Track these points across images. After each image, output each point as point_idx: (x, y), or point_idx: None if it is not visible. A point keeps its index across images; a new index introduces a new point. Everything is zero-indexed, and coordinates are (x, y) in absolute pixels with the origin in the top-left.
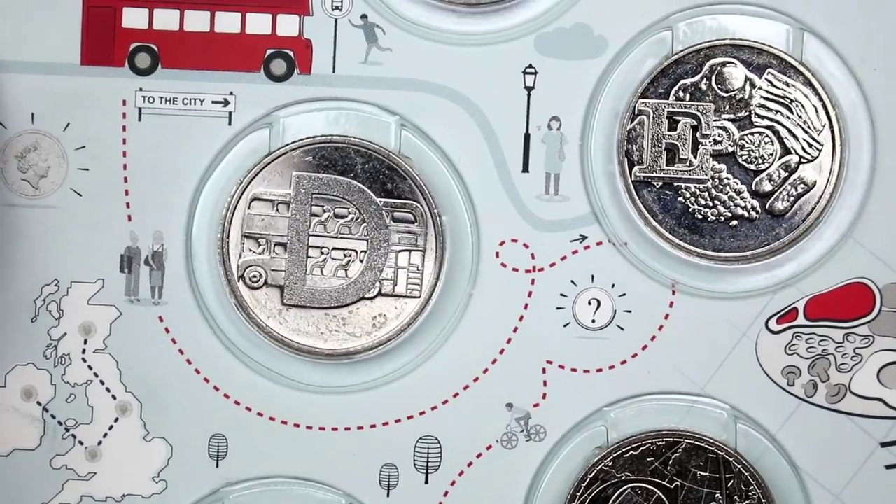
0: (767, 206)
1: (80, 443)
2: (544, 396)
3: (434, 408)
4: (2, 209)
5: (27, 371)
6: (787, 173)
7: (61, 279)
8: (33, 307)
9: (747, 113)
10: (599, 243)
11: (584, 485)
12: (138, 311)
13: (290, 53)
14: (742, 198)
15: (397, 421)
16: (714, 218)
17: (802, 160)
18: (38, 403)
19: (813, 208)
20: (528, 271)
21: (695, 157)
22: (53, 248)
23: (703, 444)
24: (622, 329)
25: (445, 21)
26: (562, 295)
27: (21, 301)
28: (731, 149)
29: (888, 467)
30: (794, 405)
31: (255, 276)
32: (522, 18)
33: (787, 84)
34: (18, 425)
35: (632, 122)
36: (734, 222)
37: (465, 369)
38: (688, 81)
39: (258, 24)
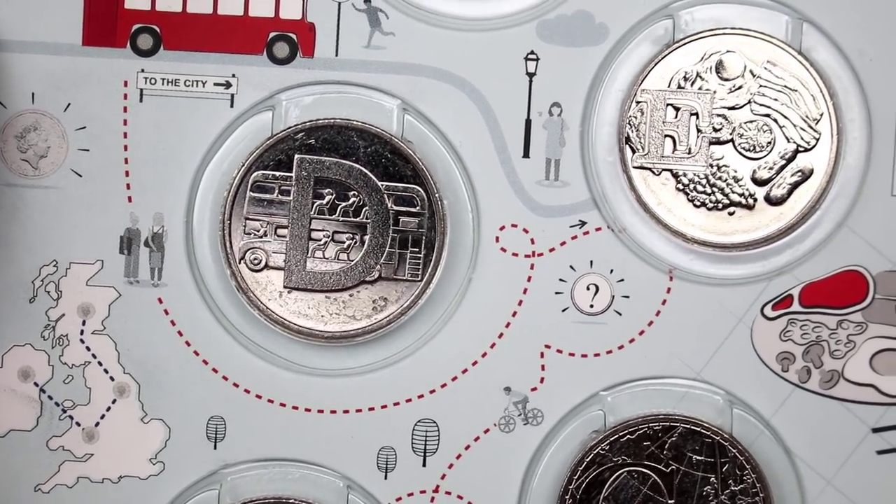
0: (765, 194)
1: (78, 424)
2: (542, 380)
3: (433, 391)
4: (1, 189)
5: (24, 351)
6: (784, 162)
7: (60, 260)
8: (31, 287)
9: (746, 101)
10: (599, 229)
11: (581, 468)
12: (137, 293)
13: (293, 36)
14: (740, 185)
15: (396, 404)
16: (712, 205)
17: (800, 149)
18: (36, 384)
19: (809, 197)
20: (527, 256)
21: (694, 144)
22: (53, 228)
23: (698, 429)
24: (620, 314)
25: (448, 6)
26: (561, 280)
27: (19, 281)
28: (729, 137)
29: (880, 453)
30: (788, 391)
31: (256, 259)
32: (525, 5)
33: (785, 73)
34: (15, 406)
35: (632, 110)
36: (732, 209)
37: (463, 353)
38: (688, 69)
39: (261, 6)
